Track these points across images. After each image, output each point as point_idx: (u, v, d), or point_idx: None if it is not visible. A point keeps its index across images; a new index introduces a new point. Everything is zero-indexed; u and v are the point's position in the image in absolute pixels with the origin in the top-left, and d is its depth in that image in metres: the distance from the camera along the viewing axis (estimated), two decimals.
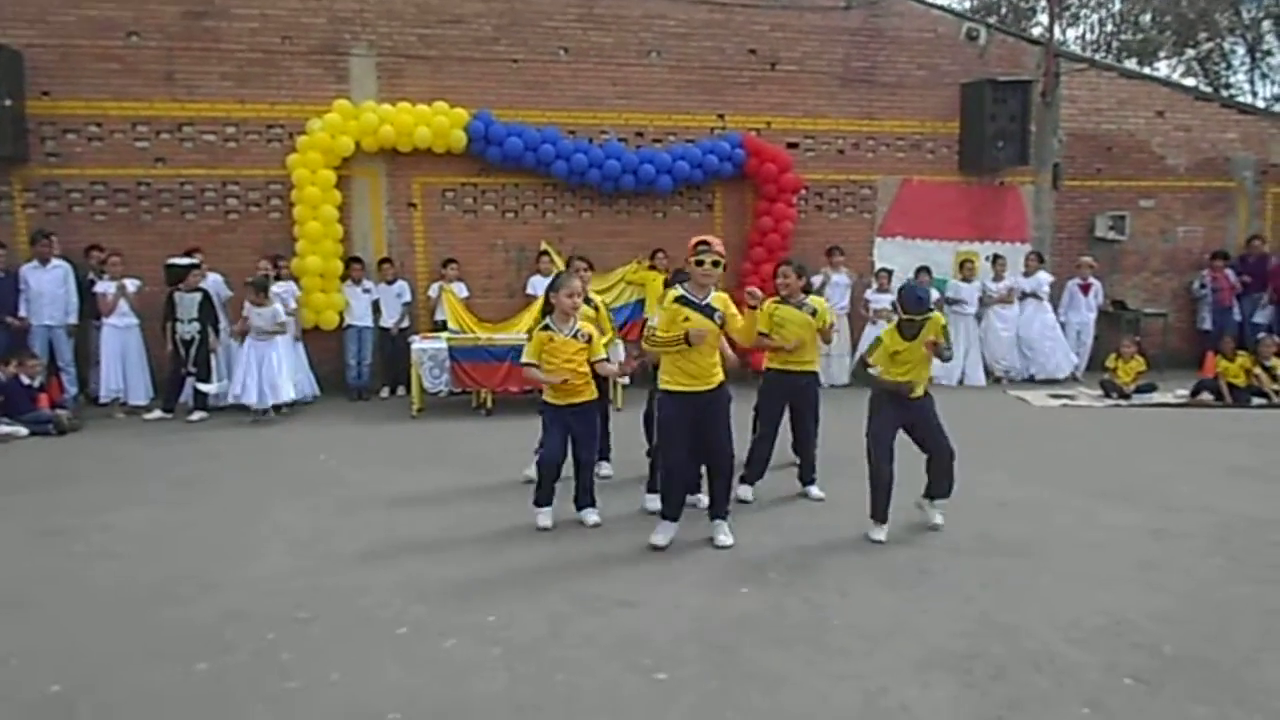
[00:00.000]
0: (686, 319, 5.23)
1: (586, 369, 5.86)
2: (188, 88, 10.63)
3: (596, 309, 6.81)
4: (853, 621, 4.36)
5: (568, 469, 5.97)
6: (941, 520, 5.75)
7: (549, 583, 4.88)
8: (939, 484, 5.76)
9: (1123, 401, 10.69)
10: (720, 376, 5.43)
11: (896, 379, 5.60)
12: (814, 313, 6.50)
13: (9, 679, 3.82)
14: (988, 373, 12.14)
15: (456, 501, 6.47)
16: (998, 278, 12.18)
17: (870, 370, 5.79)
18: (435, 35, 11.15)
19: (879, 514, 5.62)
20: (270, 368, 9.37)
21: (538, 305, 7.62)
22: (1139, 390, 10.84)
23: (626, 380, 9.12)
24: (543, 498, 5.86)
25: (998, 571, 5.04)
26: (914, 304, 5.63)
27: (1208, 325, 12.97)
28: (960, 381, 11.90)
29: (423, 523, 5.98)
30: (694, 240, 5.38)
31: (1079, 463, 7.70)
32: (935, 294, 11.89)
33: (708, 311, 5.29)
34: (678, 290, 5.40)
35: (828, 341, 6.76)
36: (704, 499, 6.22)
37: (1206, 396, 10.55)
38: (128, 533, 5.81)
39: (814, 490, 6.56)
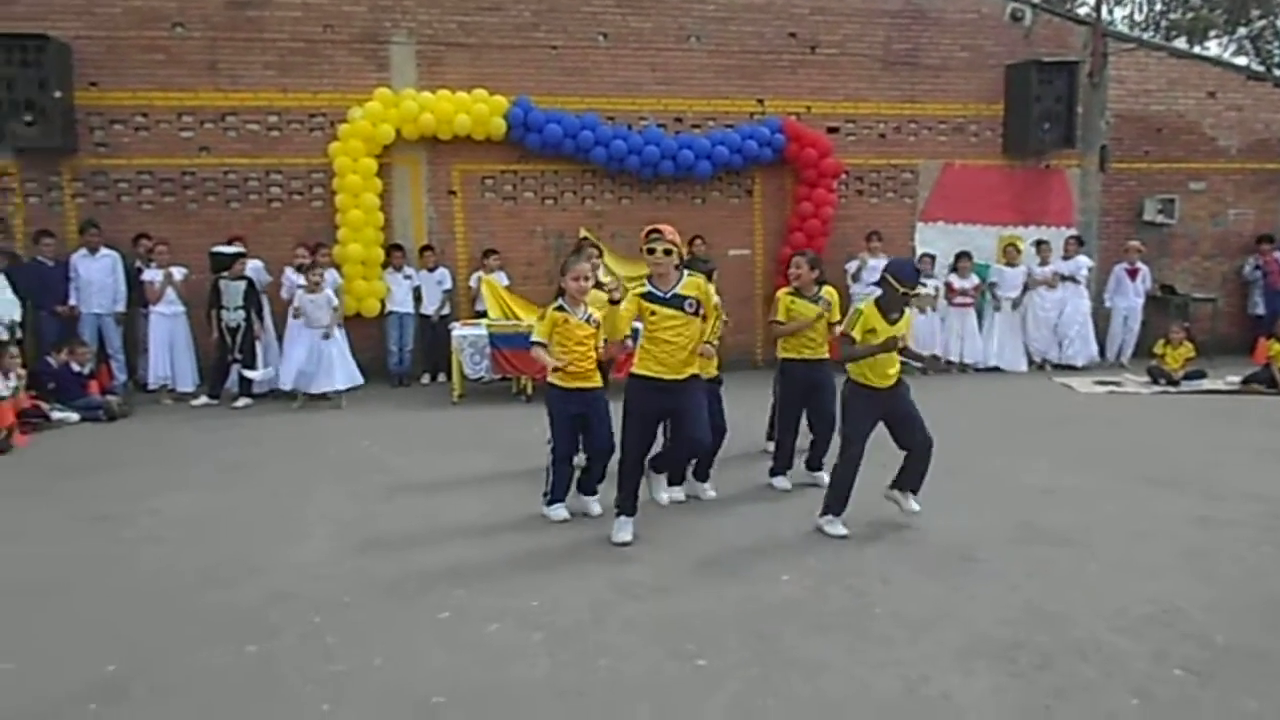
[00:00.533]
0: (653, 313, 5.13)
1: (594, 354, 5.74)
2: (231, 77, 10.75)
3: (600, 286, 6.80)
4: (895, 609, 4.33)
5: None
6: (919, 507, 5.52)
7: (590, 568, 4.90)
8: (913, 477, 5.52)
9: (1171, 389, 10.49)
10: (692, 369, 5.26)
11: (884, 345, 5.25)
12: (828, 305, 6.44)
13: (67, 660, 3.91)
14: (1029, 359, 11.98)
15: (498, 487, 6.51)
16: (1043, 262, 12.00)
17: (853, 346, 5.36)
18: (475, 22, 11.17)
19: (838, 507, 5.44)
20: (327, 355, 9.50)
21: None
22: (1188, 377, 10.64)
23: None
24: (560, 494, 5.80)
25: (1043, 560, 4.98)
26: (911, 277, 5.32)
27: (1260, 310, 12.70)
28: (1003, 369, 11.76)
29: (465, 508, 6.03)
30: (645, 229, 5.20)
31: (1125, 450, 7.58)
32: (977, 279, 11.79)
33: (676, 303, 5.14)
34: (644, 286, 5.24)
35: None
36: (711, 490, 6.22)
37: (1258, 386, 10.32)
38: (175, 517, 5.92)
39: (824, 476, 6.48)
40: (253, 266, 10.22)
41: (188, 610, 4.41)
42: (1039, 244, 12.14)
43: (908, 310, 5.45)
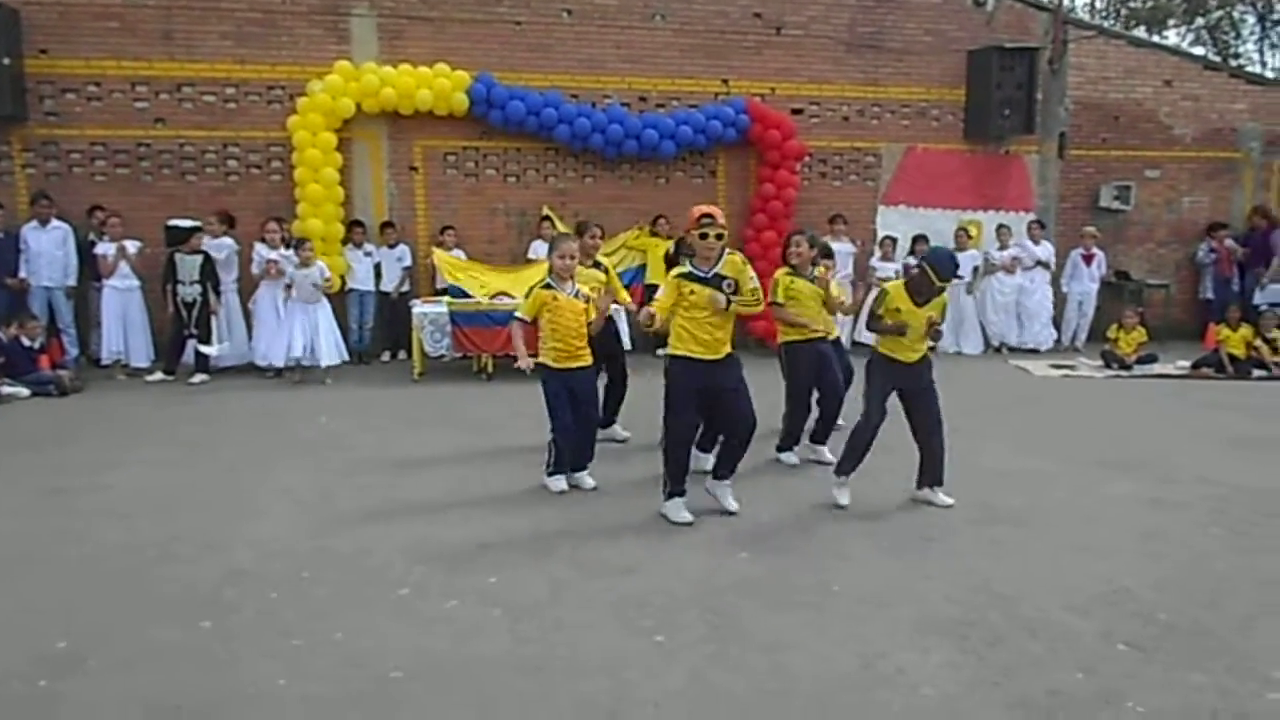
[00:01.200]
0: (692, 293, 5.14)
1: (585, 331, 5.84)
2: (187, 47, 10.53)
3: (606, 271, 6.84)
4: (853, 587, 4.39)
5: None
6: (951, 500, 5.61)
7: (550, 546, 4.91)
8: (933, 468, 5.64)
9: (1124, 372, 10.70)
10: (728, 348, 5.31)
11: (896, 325, 5.45)
12: (825, 282, 6.55)
13: (17, 635, 3.85)
14: (985, 341, 12.14)
15: (458, 465, 6.49)
16: (1002, 246, 12.14)
17: (881, 322, 5.56)
18: None
19: (846, 468, 5.59)
20: (315, 329, 9.45)
21: (540, 269, 7.61)
22: (1140, 361, 10.85)
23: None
24: (561, 467, 5.90)
25: (998, 540, 5.06)
26: (949, 270, 5.40)
27: (1209, 295, 12.97)
28: (959, 351, 11.90)
29: (425, 486, 6.01)
30: (698, 212, 5.23)
31: (1079, 433, 7.72)
32: None
33: (715, 283, 5.17)
34: (685, 266, 5.29)
35: (832, 313, 6.73)
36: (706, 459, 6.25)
37: (1207, 370, 10.55)
38: (130, 493, 5.84)
39: (826, 451, 6.60)
40: (222, 244, 10.02)
41: (142, 586, 4.36)
42: (1000, 228, 12.28)
43: (945, 295, 5.55)
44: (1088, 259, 12.50)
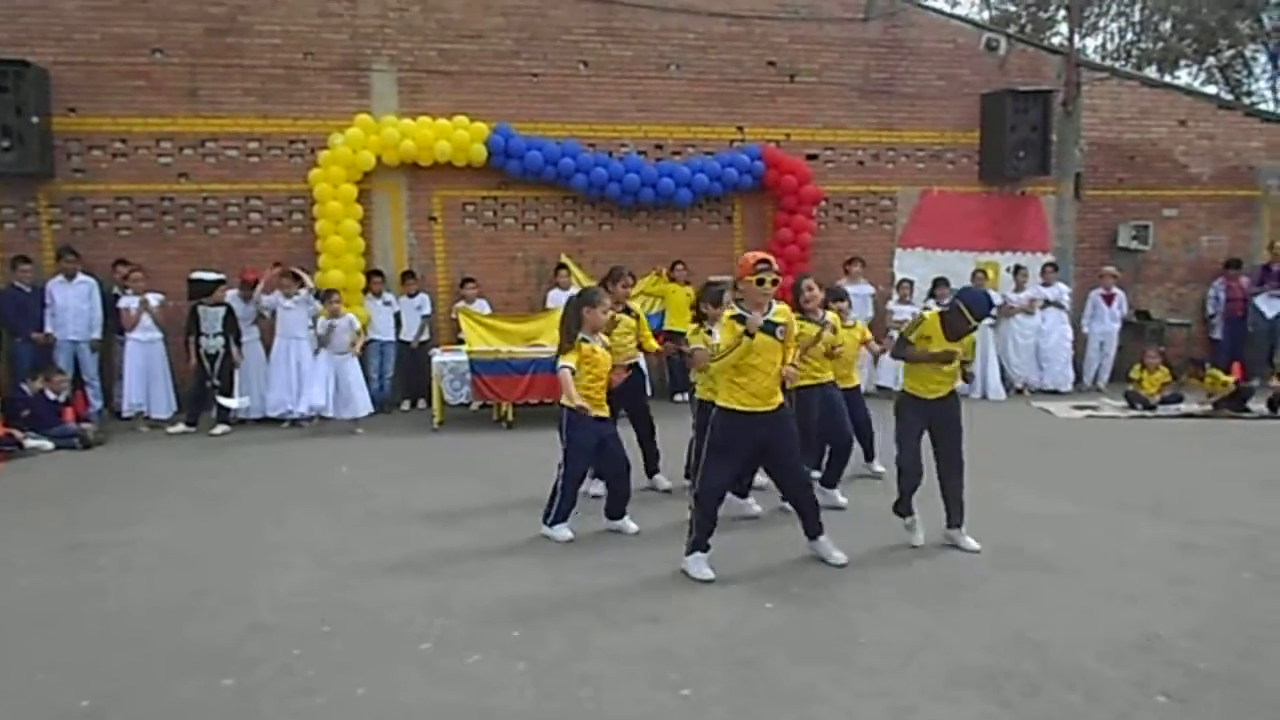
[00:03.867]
0: (748, 334, 5.03)
1: (606, 383, 5.99)
2: (211, 104, 10.73)
3: (636, 318, 6.89)
4: (880, 637, 4.32)
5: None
6: (978, 545, 5.55)
7: (573, 598, 4.86)
8: (956, 509, 5.60)
9: (1148, 413, 10.58)
10: (780, 398, 5.23)
11: (941, 353, 5.40)
12: (834, 329, 6.53)
13: (39, 694, 3.83)
14: (1006, 384, 12.06)
15: (479, 515, 6.47)
16: (1019, 288, 12.10)
17: (908, 347, 5.53)
18: (456, 50, 11.22)
19: (906, 507, 5.59)
20: (346, 381, 9.59)
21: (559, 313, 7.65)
22: (1164, 401, 10.74)
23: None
24: (565, 514, 5.91)
25: (1026, 586, 4.98)
26: (984, 309, 5.42)
27: (1218, 334, 12.86)
28: (984, 395, 11.82)
29: (446, 537, 5.98)
30: (755, 258, 5.10)
31: (1106, 475, 7.63)
32: None
33: (769, 329, 5.08)
34: (734, 309, 5.18)
35: (830, 357, 6.63)
36: (841, 498, 6.36)
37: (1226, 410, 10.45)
38: (153, 546, 5.83)
39: (837, 496, 6.55)
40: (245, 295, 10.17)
41: (164, 642, 4.34)
42: (1017, 269, 12.25)
43: (974, 335, 5.59)
44: (1108, 299, 12.44)
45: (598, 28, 11.55)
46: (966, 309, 5.37)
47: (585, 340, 5.84)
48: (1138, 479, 7.48)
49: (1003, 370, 12.08)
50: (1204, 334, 13.24)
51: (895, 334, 7.22)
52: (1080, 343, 12.45)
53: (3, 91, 9.78)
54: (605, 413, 5.98)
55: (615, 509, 6.06)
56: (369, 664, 4.08)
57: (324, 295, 9.77)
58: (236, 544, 5.88)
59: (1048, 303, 12.13)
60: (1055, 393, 11.94)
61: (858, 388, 7.22)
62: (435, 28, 11.16)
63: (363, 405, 9.76)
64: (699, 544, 5.22)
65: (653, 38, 11.66)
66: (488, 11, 11.27)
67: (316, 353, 9.57)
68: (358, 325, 9.82)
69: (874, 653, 4.16)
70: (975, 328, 5.46)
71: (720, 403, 5.22)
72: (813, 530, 5.40)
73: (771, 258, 5.16)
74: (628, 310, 6.87)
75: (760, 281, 5.05)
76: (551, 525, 5.90)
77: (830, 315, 6.64)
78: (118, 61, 10.49)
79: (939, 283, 11.86)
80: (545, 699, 3.75)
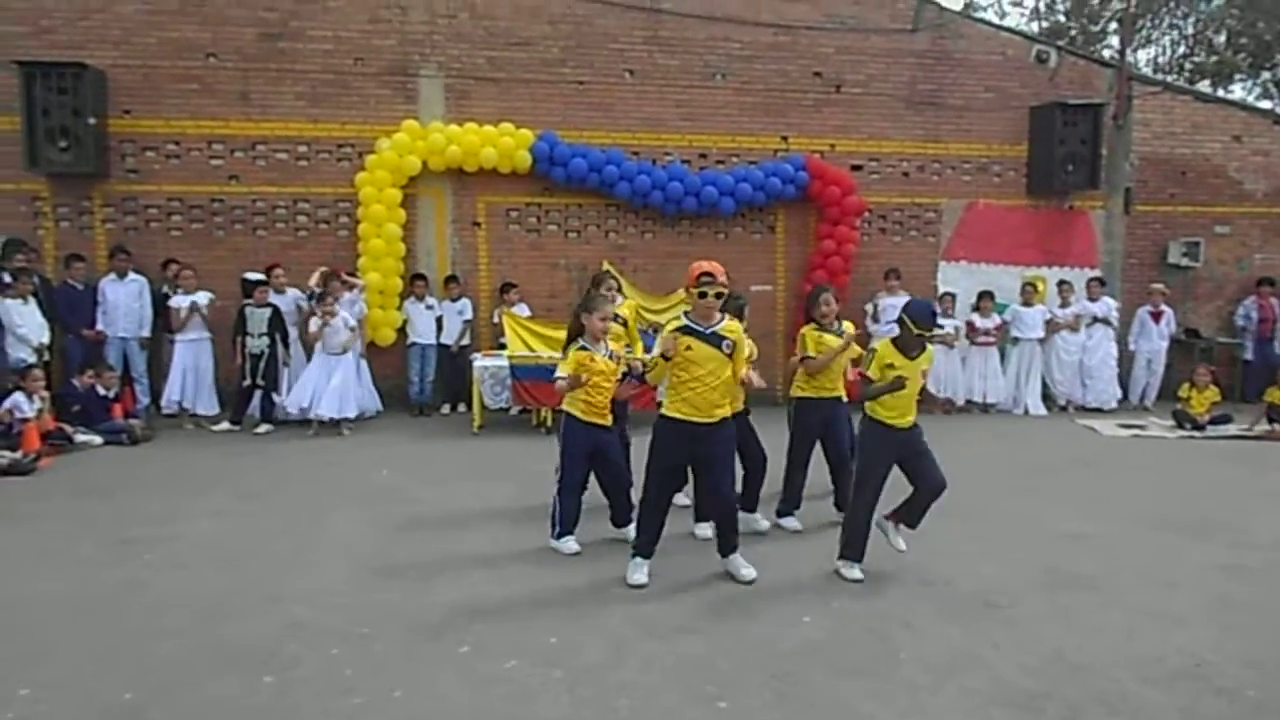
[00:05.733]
0: (689, 347, 5.04)
1: (611, 393, 5.87)
2: (262, 107, 10.90)
3: (625, 324, 6.84)
4: (919, 654, 4.27)
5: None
6: (905, 546, 5.48)
7: (610, 605, 4.87)
8: (914, 512, 5.44)
9: (1196, 433, 10.38)
10: (725, 412, 5.21)
11: (895, 382, 5.19)
12: (850, 337, 6.46)
13: (84, 685, 3.90)
14: (1048, 401, 11.88)
15: (517, 520, 6.49)
16: (1064, 304, 11.94)
17: (869, 385, 5.36)
18: (503, 57, 11.30)
19: (856, 552, 5.37)
20: (340, 382, 9.59)
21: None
22: (1213, 421, 10.53)
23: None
24: (569, 527, 5.84)
25: (1068, 607, 4.90)
26: (928, 319, 5.25)
27: (1249, 355, 12.58)
28: (1025, 410, 11.68)
29: (484, 540, 6.01)
30: (697, 270, 5.10)
31: (1152, 495, 7.49)
32: (998, 319, 11.72)
33: (714, 340, 5.08)
34: (681, 320, 5.19)
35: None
36: (763, 521, 6.22)
37: (1272, 427, 10.22)
38: (196, 543, 5.93)
39: (763, 522, 6.44)
40: (290, 295, 10.29)
41: (207, 638, 4.40)
42: (1061, 284, 12.08)
43: (930, 347, 5.41)
44: (1156, 316, 12.23)
45: (644, 37, 11.58)
46: (911, 321, 5.24)
47: (584, 348, 5.77)
48: (1184, 500, 7.34)
49: (1045, 387, 11.92)
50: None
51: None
52: (1127, 360, 12.25)
53: (61, 93, 10.01)
54: (604, 421, 5.84)
55: (618, 518, 6.00)
56: (407, 666, 4.10)
57: (319, 295, 9.78)
58: (277, 543, 5.95)
59: (1095, 319, 11.95)
60: (1100, 411, 11.75)
61: (842, 399, 7.00)
62: (483, 35, 11.26)
63: (350, 405, 9.66)
64: (639, 552, 5.29)
65: (699, 47, 11.67)
66: (535, 19, 11.35)
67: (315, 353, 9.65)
68: (352, 322, 9.79)
69: (913, 669, 4.11)
70: (924, 339, 5.26)
71: (662, 411, 5.25)
72: (725, 548, 5.39)
73: (718, 269, 5.09)
74: (616, 317, 6.82)
75: (703, 294, 5.06)
76: (557, 538, 5.82)
77: (846, 325, 6.57)
78: (172, 65, 10.69)
79: (983, 296, 11.76)
80: (581, 706, 3.76)
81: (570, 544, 5.79)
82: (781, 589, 5.15)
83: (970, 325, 11.71)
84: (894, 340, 5.38)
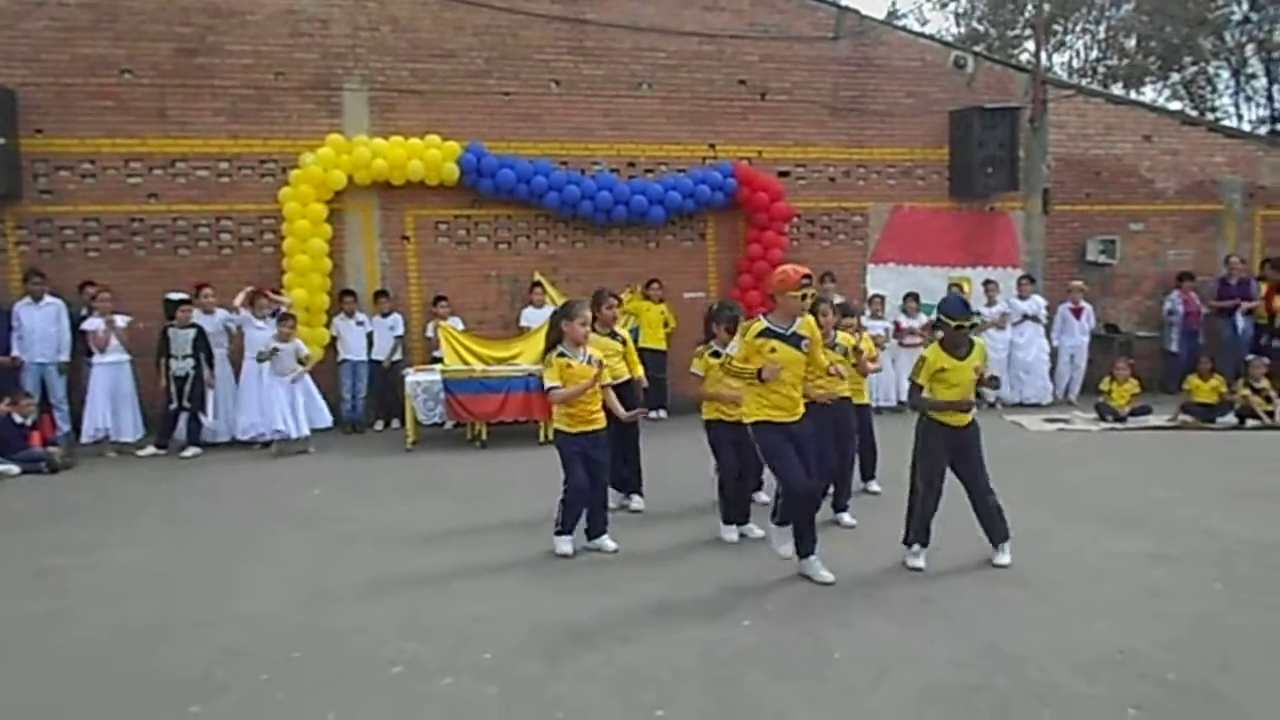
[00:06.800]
0: (774, 350, 5.12)
1: (598, 395, 5.96)
2: (181, 124, 10.66)
3: (624, 343, 6.85)
4: (855, 654, 4.32)
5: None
6: (1008, 560, 5.55)
7: (547, 618, 4.83)
8: (995, 527, 5.59)
9: (1118, 425, 10.68)
10: (803, 408, 5.35)
11: (949, 398, 5.44)
12: (845, 352, 6.57)
13: None
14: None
15: (452, 536, 6.42)
16: (990, 303, 12.21)
17: (921, 394, 5.55)
18: (427, 69, 11.22)
19: (921, 538, 5.53)
20: (295, 402, 9.46)
21: (539, 334, 7.81)
22: (1134, 413, 10.85)
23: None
24: (569, 527, 5.91)
25: (1000, 601, 5.00)
26: (960, 310, 5.40)
27: (1174, 347, 13.00)
28: None
29: (419, 558, 5.93)
30: (800, 272, 5.22)
31: (1078, 488, 7.68)
32: (924, 319, 11.93)
33: (795, 341, 5.20)
34: (761, 323, 5.24)
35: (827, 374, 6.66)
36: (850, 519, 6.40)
37: (1186, 418, 10.58)
38: (121, 571, 5.76)
39: (845, 517, 6.54)
40: (219, 315, 10.06)
41: (132, 669, 4.27)
42: (987, 284, 12.36)
43: (977, 340, 5.54)
44: (1076, 312, 12.57)
45: (569, 47, 11.58)
46: (944, 316, 5.42)
47: (563, 354, 5.84)
48: (1109, 492, 7.54)
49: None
50: (1159, 347, 13.37)
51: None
52: (1052, 356, 12.56)
53: None
54: (592, 427, 5.91)
55: (593, 529, 6.03)
56: (339, 689, 4.03)
57: (280, 317, 9.68)
58: (206, 568, 5.80)
59: (1025, 317, 12.24)
60: (1032, 406, 12.02)
61: (867, 405, 7.20)
62: (407, 47, 11.16)
63: (305, 426, 9.54)
64: (784, 521, 5.38)
65: (624, 56, 11.71)
66: (459, 31, 11.28)
67: (263, 373, 9.51)
68: (305, 351, 9.70)
69: (848, 669, 4.15)
70: (968, 329, 5.43)
71: (752, 419, 5.30)
72: (840, 504, 5.77)
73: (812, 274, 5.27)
74: (613, 334, 6.83)
75: (804, 297, 5.20)
76: (557, 535, 5.92)
77: (841, 336, 6.64)
78: (86, 82, 10.40)
79: (909, 297, 11.98)
80: None
81: (566, 545, 5.86)
82: (719, 594, 5.16)
83: (897, 326, 11.91)
84: (940, 342, 5.49)
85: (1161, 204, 13.52)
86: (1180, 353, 12.82)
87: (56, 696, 4.01)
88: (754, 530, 6.27)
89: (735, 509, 6.35)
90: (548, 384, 5.88)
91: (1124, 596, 5.04)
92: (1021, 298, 12.34)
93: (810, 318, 5.42)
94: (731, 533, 6.29)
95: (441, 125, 11.11)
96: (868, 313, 11.91)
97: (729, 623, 4.74)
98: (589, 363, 5.87)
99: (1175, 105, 22.93)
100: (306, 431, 9.55)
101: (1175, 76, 24.47)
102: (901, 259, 12.71)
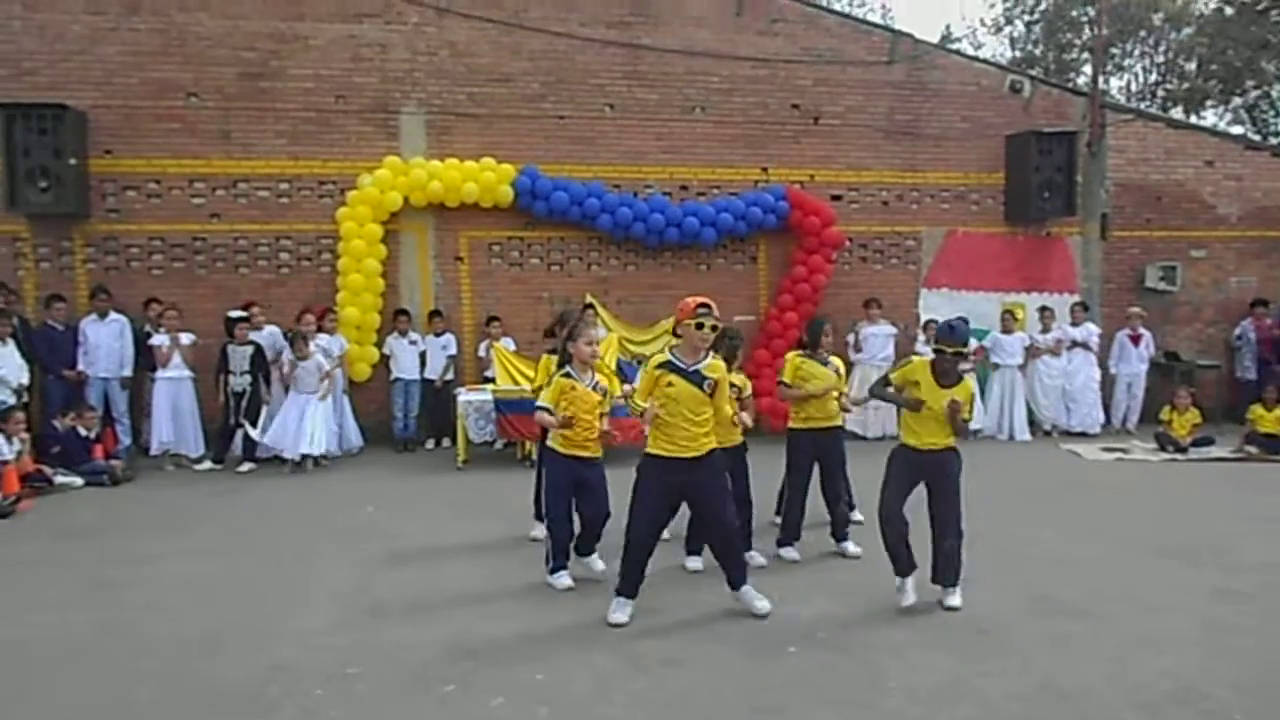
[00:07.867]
0: (670, 384, 4.98)
1: (597, 425, 5.62)
2: (243, 146, 10.92)
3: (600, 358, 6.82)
4: (908, 684, 4.26)
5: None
6: (959, 603, 5.32)
7: (596, 640, 4.83)
8: (945, 570, 5.34)
9: (1179, 455, 10.44)
10: (710, 444, 5.11)
11: (908, 399, 5.28)
12: (838, 371, 6.52)
13: None
14: (1033, 426, 11.92)
15: (502, 554, 6.46)
16: (1045, 329, 12.03)
17: (886, 388, 5.44)
18: (484, 93, 11.37)
19: (903, 569, 5.35)
20: (308, 419, 9.57)
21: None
22: (1195, 444, 10.60)
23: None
24: (561, 561, 5.77)
25: (1057, 633, 4.90)
26: (947, 335, 5.25)
27: (1251, 375, 12.68)
28: (1011, 436, 11.72)
29: (469, 576, 5.97)
30: (695, 301, 5.05)
31: (1137, 519, 7.51)
32: (975, 343, 11.76)
33: (696, 379, 5.00)
34: (664, 355, 5.13)
35: (844, 410, 6.59)
36: (760, 557, 6.18)
37: (1251, 449, 10.31)
38: (178, 583, 5.86)
39: (850, 546, 6.47)
40: (268, 332, 10.27)
41: (189, 681, 4.35)
42: (1043, 310, 12.18)
43: (966, 379, 5.42)
44: (1134, 339, 12.32)
45: (624, 71, 11.68)
46: (938, 341, 5.30)
47: (569, 374, 5.68)
48: (1170, 523, 7.37)
49: (1030, 413, 11.97)
50: (1230, 375, 13.06)
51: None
52: (1109, 384, 12.33)
53: (42, 134, 10.00)
54: (586, 453, 5.68)
55: (583, 546, 5.91)
56: (392, 706, 4.06)
57: (292, 336, 9.83)
58: (260, 582, 5.89)
59: (1075, 344, 12.04)
60: (1083, 435, 11.81)
61: (840, 428, 6.79)
62: (464, 72, 11.34)
63: (319, 443, 9.59)
64: (622, 590, 5.18)
65: (678, 81, 11.78)
66: (515, 56, 11.44)
67: (288, 392, 9.69)
68: (326, 368, 9.82)
69: (902, 699, 4.10)
70: (959, 358, 5.27)
71: (646, 449, 5.16)
72: (734, 581, 5.30)
73: (712, 303, 5.07)
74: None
75: (700, 325, 4.99)
76: (551, 573, 5.76)
77: (835, 360, 6.60)
78: (154, 105, 10.70)
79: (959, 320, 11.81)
80: None
81: (564, 579, 5.73)
82: (768, 621, 5.12)
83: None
84: (932, 364, 5.37)
85: (1224, 230, 13.24)
86: (1258, 381, 12.45)
87: (116, 705, 4.09)
88: (756, 558, 6.18)
89: (786, 529, 6.35)
90: (539, 402, 5.65)
91: (1186, 631, 4.92)
92: (1074, 324, 12.13)
93: (719, 361, 5.21)
94: (792, 552, 6.36)
95: (497, 148, 11.25)
96: (921, 338, 11.80)
97: (777, 649, 4.70)
98: (595, 389, 5.69)
99: (1237, 129, 22.47)
100: (314, 450, 9.61)
101: (1237, 100, 24.03)
102: (955, 284, 12.57)
